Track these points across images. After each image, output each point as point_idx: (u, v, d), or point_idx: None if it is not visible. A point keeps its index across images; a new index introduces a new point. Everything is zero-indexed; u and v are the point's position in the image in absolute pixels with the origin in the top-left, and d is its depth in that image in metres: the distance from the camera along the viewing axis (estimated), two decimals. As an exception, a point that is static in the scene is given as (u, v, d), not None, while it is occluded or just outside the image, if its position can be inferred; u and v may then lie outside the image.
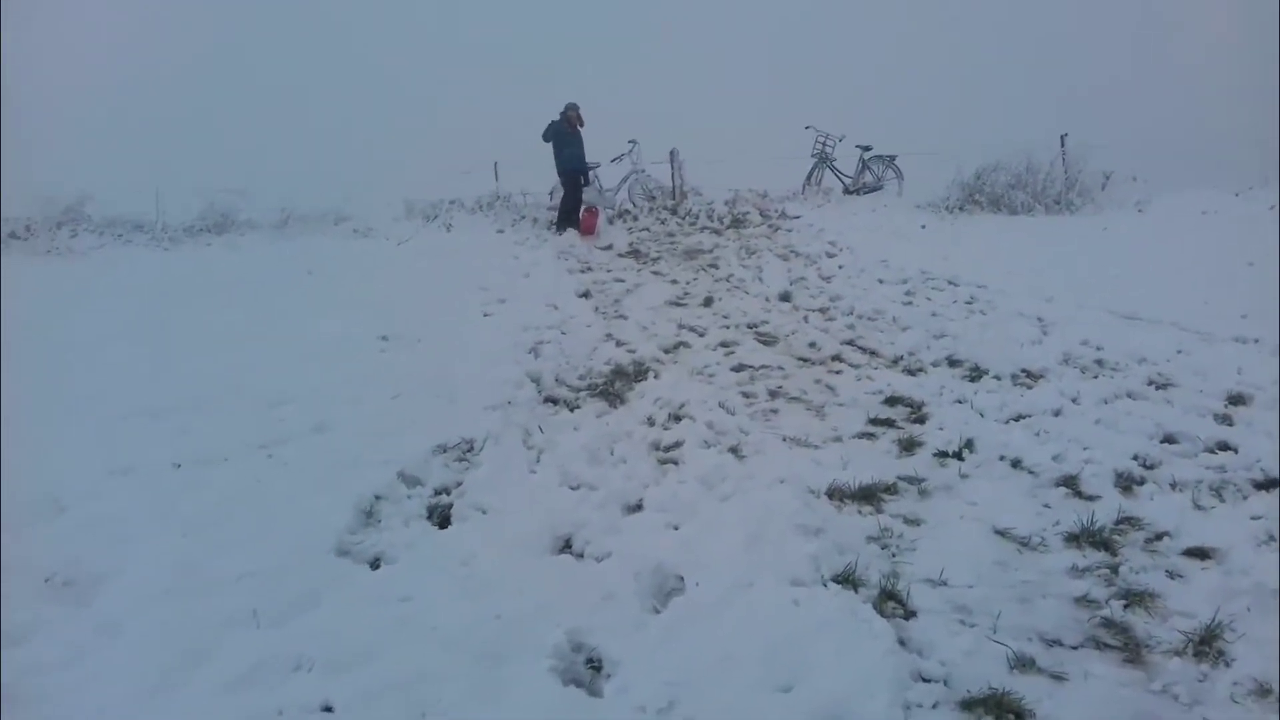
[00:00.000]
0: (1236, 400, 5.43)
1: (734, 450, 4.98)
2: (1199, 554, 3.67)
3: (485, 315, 8.69)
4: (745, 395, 6.10)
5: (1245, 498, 4.16)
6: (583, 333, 7.95)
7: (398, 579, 3.70)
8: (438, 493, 4.60)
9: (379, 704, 2.87)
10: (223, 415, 5.66)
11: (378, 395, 6.01)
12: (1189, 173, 13.86)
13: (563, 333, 7.93)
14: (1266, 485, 4.25)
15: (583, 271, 11.32)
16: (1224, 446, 4.73)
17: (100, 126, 19.80)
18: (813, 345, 7.36)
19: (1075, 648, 3.07)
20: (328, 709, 2.88)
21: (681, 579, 3.60)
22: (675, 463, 4.89)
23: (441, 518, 4.34)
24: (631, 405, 5.93)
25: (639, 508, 4.33)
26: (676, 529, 4.05)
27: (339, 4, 27.50)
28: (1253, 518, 3.92)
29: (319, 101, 23.25)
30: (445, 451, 5.04)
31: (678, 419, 5.52)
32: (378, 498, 4.40)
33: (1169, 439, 4.88)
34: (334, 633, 3.26)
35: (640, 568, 3.66)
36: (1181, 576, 3.51)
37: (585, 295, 9.78)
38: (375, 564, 3.86)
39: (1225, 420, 5.15)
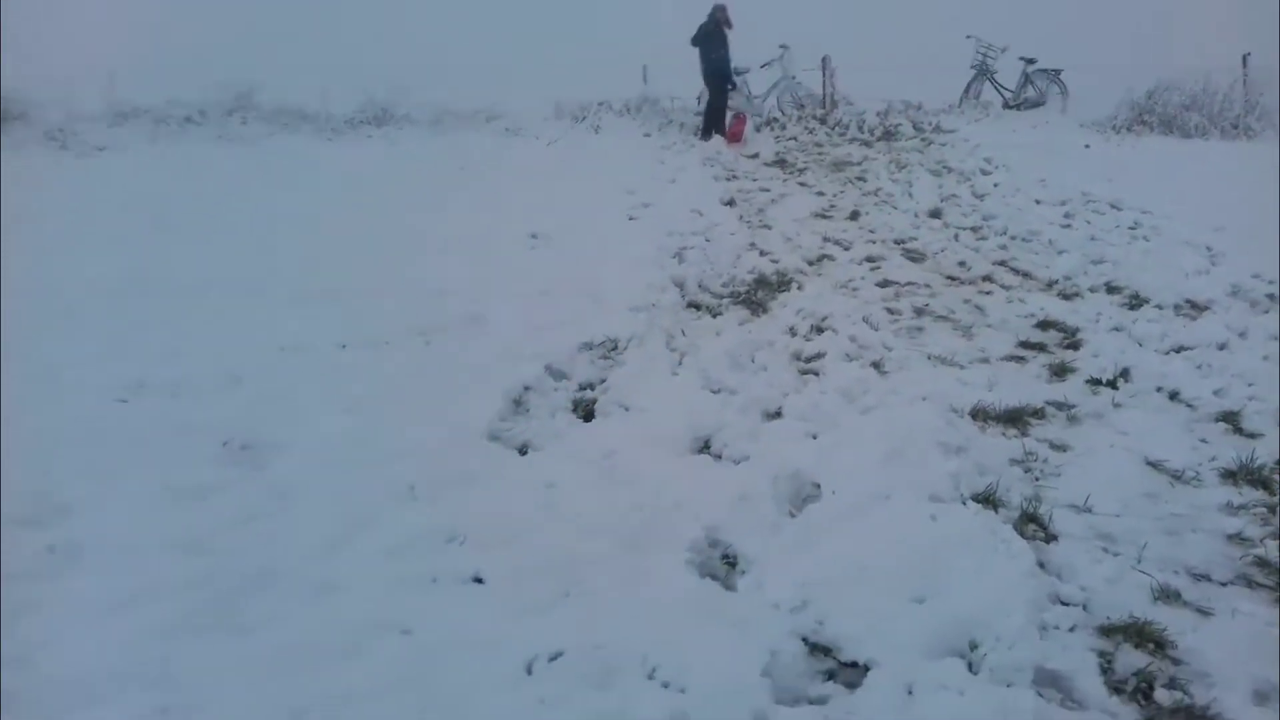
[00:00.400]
0: None
1: (876, 365, 4.95)
2: (1368, 501, 3.50)
3: (630, 219, 8.75)
4: (890, 311, 6.02)
5: None
6: (727, 240, 7.93)
7: (544, 466, 3.87)
8: (583, 388, 4.75)
9: (526, 580, 3.03)
10: (384, 302, 5.92)
11: (528, 291, 6.18)
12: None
13: (707, 239, 7.92)
14: None
15: (728, 179, 11.23)
16: (1407, 393, 4.45)
17: (270, 18, 20.42)
18: (962, 264, 7.17)
19: (1224, 584, 3.00)
20: (478, 580, 3.06)
21: (818, 486, 3.64)
22: (816, 374, 4.90)
23: (586, 412, 4.49)
24: (774, 314, 5.94)
25: (778, 415, 4.38)
26: (815, 438, 4.08)
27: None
28: None
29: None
30: (591, 349, 5.18)
31: (820, 331, 5.50)
32: (527, 388, 4.58)
33: (1345, 381, 4.62)
34: (485, 511, 3.44)
35: (778, 472, 3.71)
36: (1346, 523, 3.36)
37: (730, 203, 9.72)
38: (523, 450, 4.04)
39: None
